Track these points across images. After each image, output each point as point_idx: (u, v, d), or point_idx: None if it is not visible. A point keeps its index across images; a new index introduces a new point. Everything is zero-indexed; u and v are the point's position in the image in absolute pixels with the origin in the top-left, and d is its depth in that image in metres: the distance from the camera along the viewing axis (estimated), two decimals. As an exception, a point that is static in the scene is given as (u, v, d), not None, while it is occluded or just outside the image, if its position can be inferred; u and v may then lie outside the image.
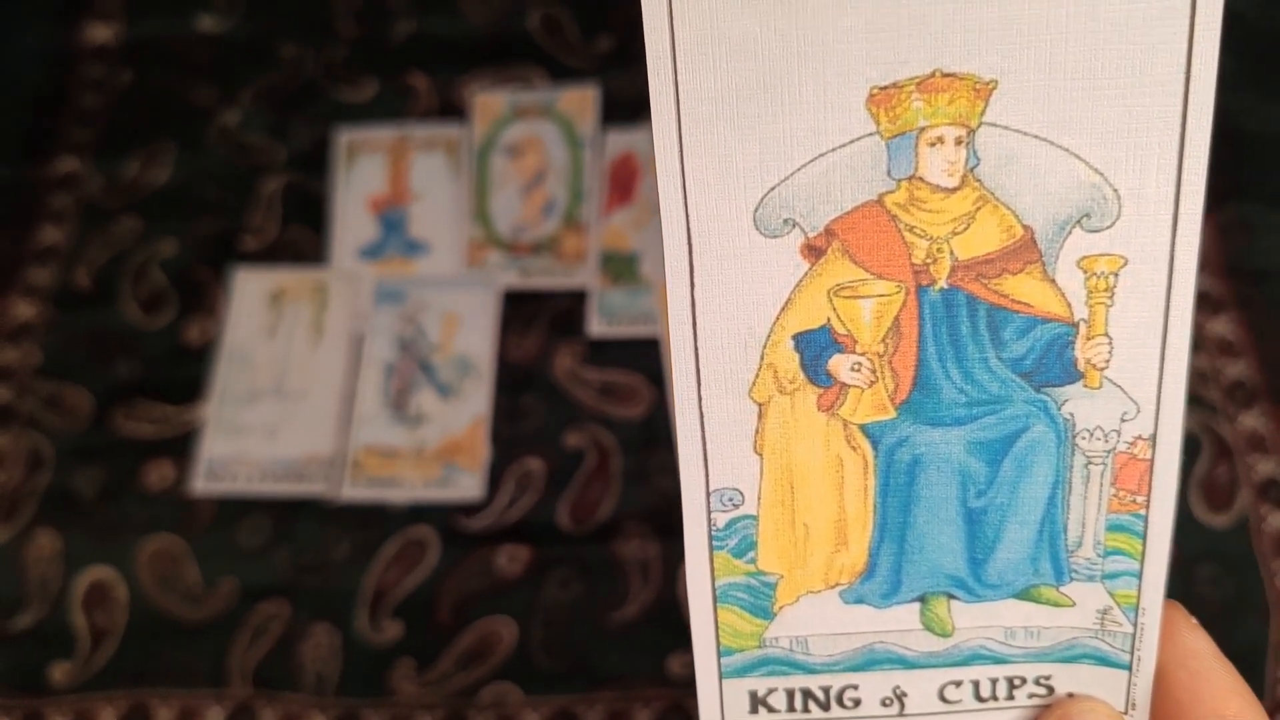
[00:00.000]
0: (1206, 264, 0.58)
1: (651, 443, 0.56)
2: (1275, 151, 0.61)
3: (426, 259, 0.62)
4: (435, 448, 0.57)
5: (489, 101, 0.65)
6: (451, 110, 0.66)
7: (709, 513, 0.22)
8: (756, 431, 0.22)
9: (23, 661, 0.53)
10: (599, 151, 0.63)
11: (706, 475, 0.22)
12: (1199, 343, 0.56)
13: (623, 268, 0.60)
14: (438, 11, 0.69)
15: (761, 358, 0.21)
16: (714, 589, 0.23)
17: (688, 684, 0.50)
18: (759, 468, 0.22)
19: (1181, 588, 0.50)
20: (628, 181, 0.62)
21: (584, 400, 0.57)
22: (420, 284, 0.61)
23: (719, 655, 0.23)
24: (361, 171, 0.64)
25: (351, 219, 0.63)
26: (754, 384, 0.22)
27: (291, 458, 0.57)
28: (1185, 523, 0.52)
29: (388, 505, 0.56)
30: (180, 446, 0.57)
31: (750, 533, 0.23)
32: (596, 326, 0.59)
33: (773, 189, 0.20)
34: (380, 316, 0.60)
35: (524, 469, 0.56)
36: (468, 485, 0.56)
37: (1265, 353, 0.55)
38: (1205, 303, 0.57)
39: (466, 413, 0.57)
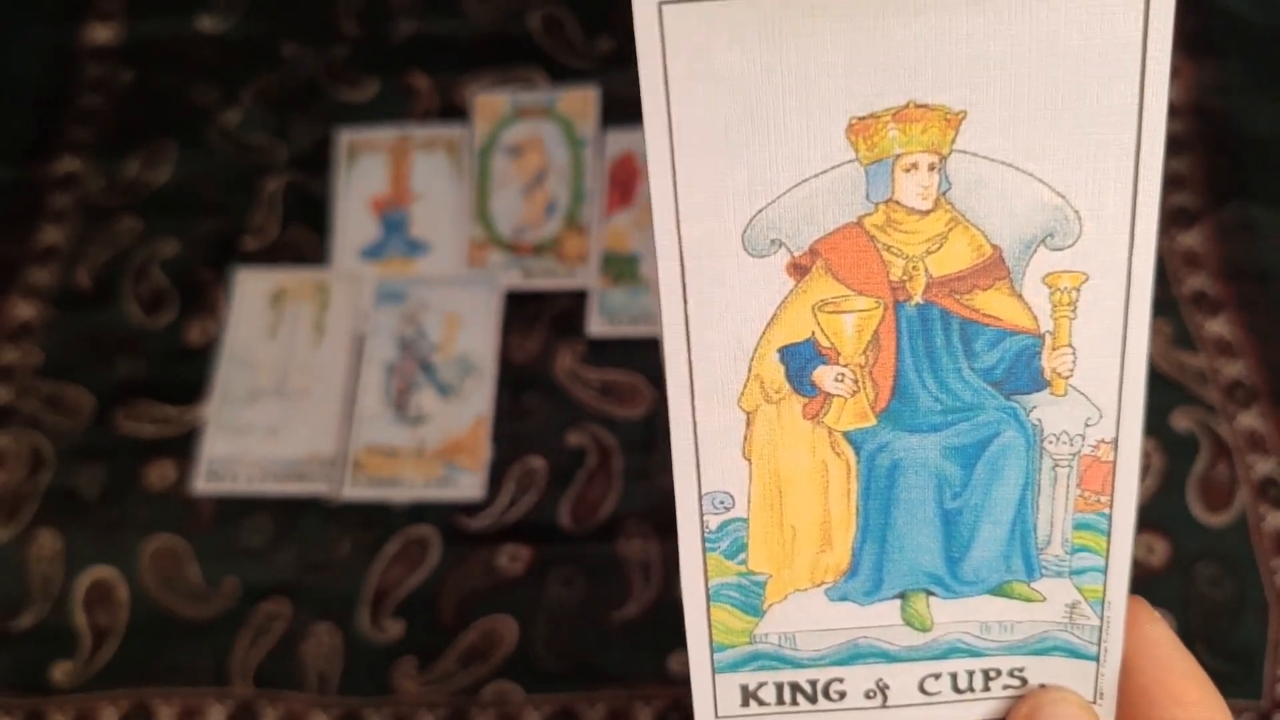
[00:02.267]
0: (1205, 265, 0.58)
1: (652, 442, 0.56)
2: (1276, 153, 0.61)
3: (427, 259, 0.62)
4: (436, 447, 0.57)
5: (490, 102, 0.65)
6: (453, 110, 0.66)
7: (701, 515, 0.24)
8: (745, 438, 0.23)
9: (24, 661, 0.53)
10: (599, 152, 0.63)
11: (699, 480, 0.24)
12: (1197, 343, 0.56)
13: (623, 268, 0.60)
14: (439, 12, 0.69)
15: (750, 369, 0.23)
16: (707, 589, 0.24)
17: (688, 682, 0.50)
18: (748, 472, 0.23)
19: (1181, 587, 0.50)
20: (628, 182, 0.62)
21: (585, 400, 0.58)
22: (421, 284, 0.61)
23: (712, 651, 0.25)
24: (363, 171, 0.64)
25: (353, 219, 0.63)
26: (742, 394, 0.23)
27: (292, 458, 0.57)
28: (1184, 522, 0.52)
29: (389, 505, 0.56)
30: (181, 446, 0.58)
31: (741, 535, 0.24)
32: (597, 326, 0.59)
33: (760, 212, 0.22)
34: (381, 316, 0.60)
35: (525, 468, 0.56)
36: (469, 485, 0.56)
37: (1266, 353, 0.55)
38: (1204, 303, 0.57)
39: (467, 412, 0.57)
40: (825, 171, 0.21)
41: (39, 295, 0.63)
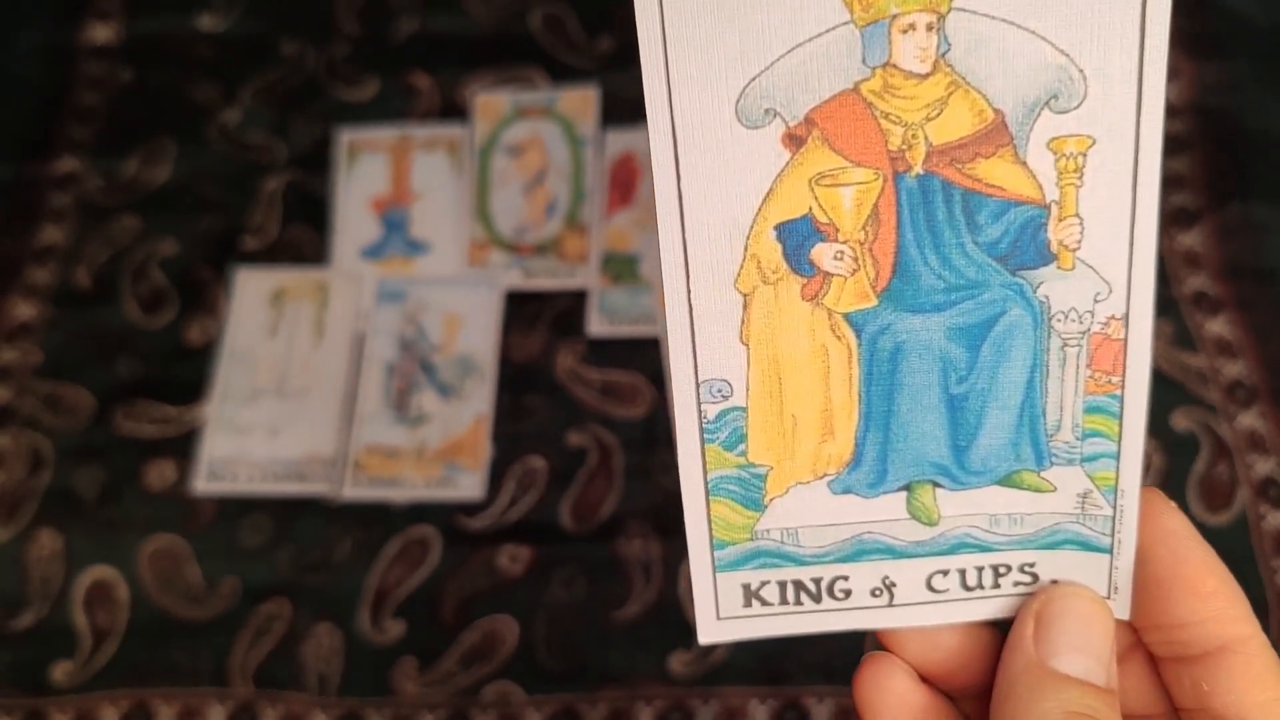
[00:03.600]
0: (1205, 264, 0.58)
1: (653, 442, 0.56)
2: (1278, 152, 0.61)
3: (428, 259, 0.62)
4: (437, 447, 0.57)
5: (491, 101, 0.65)
6: (453, 110, 0.66)
7: (699, 404, 0.23)
8: (743, 322, 0.22)
9: (24, 661, 0.53)
10: (600, 151, 0.63)
11: (695, 367, 0.22)
12: (1198, 343, 0.56)
13: (623, 268, 0.60)
14: (440, 10, 0.69)
15: (745, 249, 0.22)
16: (706, 482, 0.23)
17: (690, 682, 0.51)
18: (746, 358, 0.22)
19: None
20: (629, 182, 0.62)
21: (585, 400, 0.58)
22: (421, 284, 0.61)
23: (712, 549, 0.24)
24: (363, 171, 0.64)
25: (353, 218, 0.63)
26: (739, 275, 0.22)
27: (293, 458, 0.57)
28: (1185, 522, 0.52)
29: (389, 505, 0.56)
30: (181, 446, 0.57)
31: (740, 425, 0.23)
32: (597, 326, 0.59)
33: (753, 79, 0.21)
34: (381, 316, 0.60)
35: (526, 468, 0.56)
36: (469, 485, 0.56)
37: (1265, 353, 0.55)
38: (1204, 303, 0.57)
39: (468, 412, 0.57)
40: (820, 35, 0.21)
41: (38, 294, 0.63)
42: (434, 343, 0.59)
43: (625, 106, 0.64)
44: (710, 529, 0.24)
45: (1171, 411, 0.54)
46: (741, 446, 0.23)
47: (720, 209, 0.21)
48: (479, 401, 0.58)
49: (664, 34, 0.20)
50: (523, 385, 0.58)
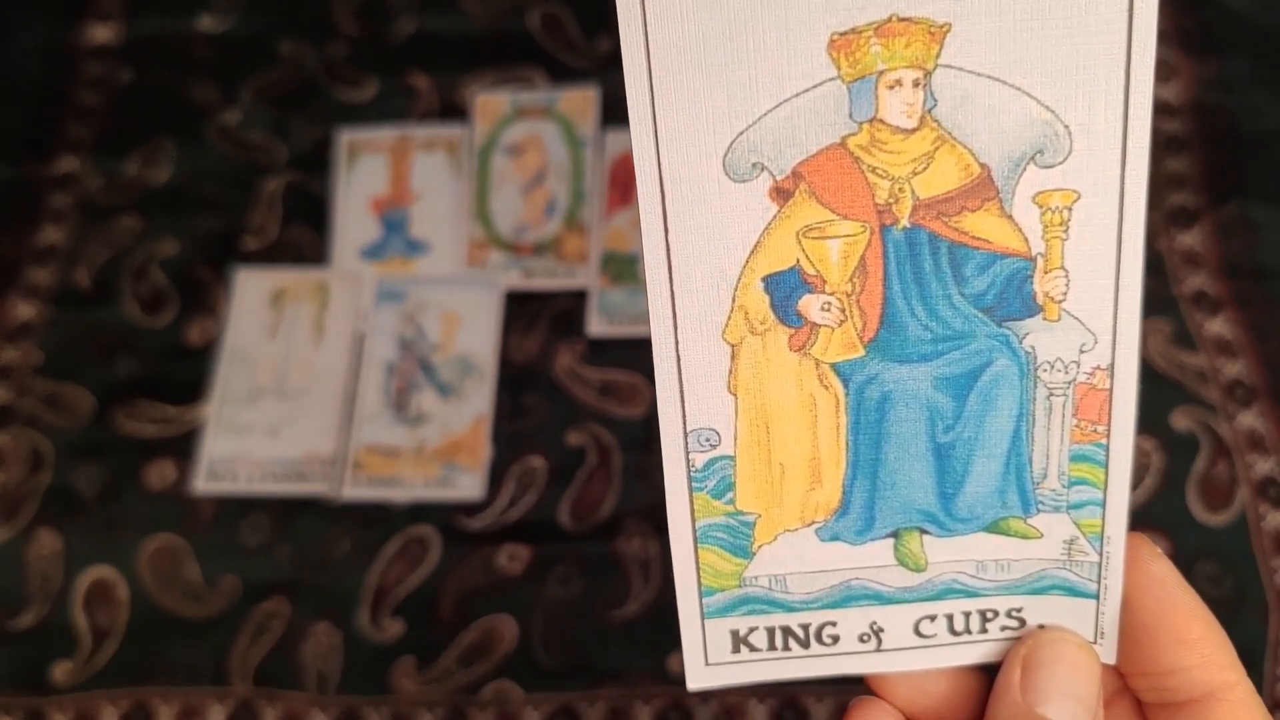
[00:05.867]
0: (1205, 264, 0.58)
1: (652, 441, 0.56)
2: (1276, 151, 0.61)
3: (428, 259, 0.62)
4: (436, 447, 0.57)
5: (490, 101, 0.65)
6: (452, 110, 0.66)
7: (687, 453, 0.23)
8: (730, 372, 0.22)
9: (24, 661, 0.53)
10: (599, 151, 0.63)
11: (684, 416, 0.23)
12: (1197, 343, 0.56)
13: (623, 268, 0.60)
14: (439, 11, 0.69)
15: (733, 299, 0.22)
16: (694, 530, 0.24)
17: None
18: (734, 408, 0.23)
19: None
20: (628, 182, 0.62)
21: (585, 399, 0.58)
22: (421, 284, 0.61)
23: (700, 596, 0.24)
24: (362, 171, 0.64)
25: (352, 219, 0.63)
26: (726, 325, 0.22)
27: (292, 457, 0.57)
28: (1184, 521, 0.52)
29: (389, 505, 0.56)
30: (181, 446, 0.58)
31: (728, 473, 0.23)
32: (596, 326, 0.59)
33: (741, 134, 0.21)
34: (381, 316, 0.60)
35: (525, 468, 0.56)
36: (468, 485, 0.56)
37: (1265, 352, 0.55)
38: (1204, 302, 0.57)
39: (467, 412, 0.57)
40: (807, 90, 0.21)
41: (38, 295, 0.63)
42: (433, 342, 0.59)
43: (625, 106, 0.64)
44: (699, 576, 0.24)
45: (1171, 411, 0.54)
46: (730, 494, 0.23)
47: (708, 261, 0.22)
48: (478, 401, 0.58)
49: (652, 89, 0.21)
50: (522, 385, 0.58)
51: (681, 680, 0.50)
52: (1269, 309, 0.56)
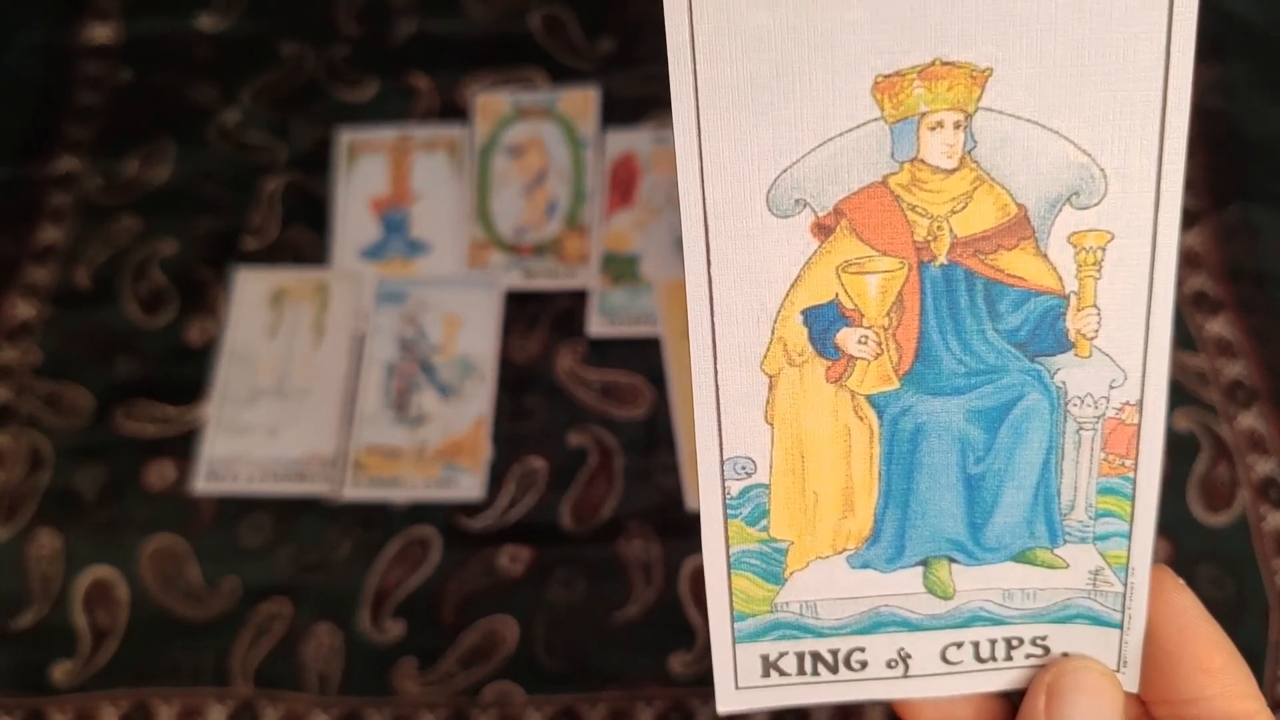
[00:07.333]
0: (1205, 266, 0.58)
1: (653, 442, 0.56)
2: (1278, 154, 0.61)
3: (428, 259, 0.62)
4: (436, 448, 0.57)
5: (491, 102, 0.65)
6: (453, 111, 0.66)
7: (723, 481, 0.23)
8: (768, 402, 0.23)
9: (24, 661, 0.53)
10: (600, 152, 0.63)
11: (721, 444, 0.23)
12: (1198, 344, 0.56)
13: (623, 268, 0.60)
14: (439, 11, 0.69)
15: (773, 332, 0.23)
16: (728, 556, 0.24)
17: (690, 683, 0.51)
18: (770, 437, 0.23)
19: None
20: (628, 182, 0.62)
21: (585, 400, 0.58)
22: (421, 284, 0.61)
23: (733, 621, 0.24)
24: (363, 172, 0.64)
25: (353, 219, 0.63)
26: (765, 357, 0.23)
27: (293, 458, 0.57)
28: (1185, 522, 0.52)
29: (389, 505, 0.56)
30: (181, 446, 0.57)
31: (763, 501, 0.24)
32: (597, 326, 0.59)
33: (784, 171, 0.22)
34: (381, 317, 0.60)
35: (526, 469, 0.56)
36: (469, 485, 0.56)
37: (1266, 355, 0.55)
38: (1204, 304, 0.57)
39: (468, 413, 0.57)
40: (850, 130, 0.21)
41: (38, 294, 0.63)
42: (434, 343, 0.59)
43: (625, 107, 0.64)
44: (731, 601, 0.24)
45: (1171, 412, 0.54)
46: (764, 522, 0.24)
47: (749, 293, 0.22)
48: (479, 402, 0.58)
49: (699, 125, 0.21)
50: (523, 386, 0.58)
51: (682, 681, 0.50)
52: (1270, 311, 0.57)
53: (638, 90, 0.65)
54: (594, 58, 0.67)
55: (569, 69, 0.67)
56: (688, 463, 0.55)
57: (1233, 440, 0.54)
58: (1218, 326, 0.56)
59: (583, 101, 0.64)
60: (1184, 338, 0.56)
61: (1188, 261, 0.59)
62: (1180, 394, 0.55)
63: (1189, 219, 0.60)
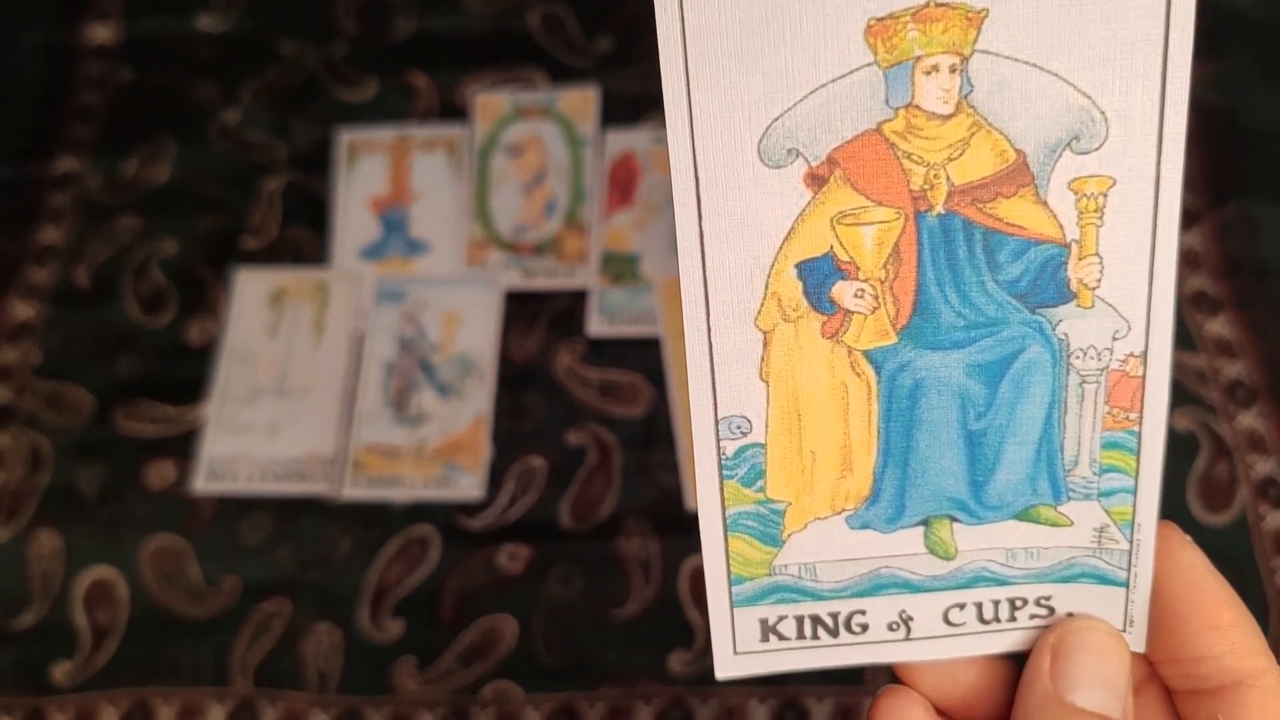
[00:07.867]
0: (1205, 264, 0.58)
1: (652, 441, 0.56)
2: (1277, 150, 0.61)
3: (427, 259, 0.62)
4: (436, 447, 0.57)
5: (490, 101, 0.65)
6: (452, 110, 0.66)
7: (718, 441, 0.23)
8: (763, 359, 0.22)
9: (24, 660, 0.53)
10: (599, 151, 0.63)
11: (715, 403, 0.22)
12: (1197, 343, 0.56)
13: (623, 268, 0.60)
14: (439, 10, 0.69)
15: (766, 286, 0.22)
16: (724, 518, 0.23)
17: (689, 681, 0.51)
18: (765, 395, 0.22)
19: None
20: (628, 181, 0.62)
21: (585, 399, 0.58)
22: (421, 284, 0.61)
23: (730, 584, 0.24)
24: (362, 171, 0.64)
25: (352, 219, 0.63)
26: (759, 312, 0.22)
27: (292, 457, 0.57)
28: (1184, 522, 0.52)
29: (389, 504, 0.56)
30: (181, 446, 0.57)
31: (759, 461, 0.23)
32: (596, 326, 0.59)
33: (776, 120, 0.21)
34: (381, 316, 0.60)
35: (525, 467, 0.56)
36: (468, 484, 0.56)
37: (1265, 348, 0.55)
38: (1204, 302, 0.57)
39: (467, 412, 0.57)
40: (843, 76, 0.21)
41: (38, 294, 0.63)
42: (433, 342, 0.59)
43: (625, 106, 0.64)
44: (728, 564, 0.24)
45: (1171, 411, 0.54)
46: (760, 483, 0.23)
47: (741, 247, 0.21)
48: (478, 401, 0.58)
49: (688, 75, 0.20)
50: (522, 385, 0.58)
51: (682, 679, 0.50)
52: (1269, 309, 0.57)
53: (637, 89, 0.65)
54: (593, 57, 0.67)
55: (568, 68, 0.67)
56: (687, 462, 0.55)
57: (1232, 440, 0.54)
58: (1217, 326, 0.56)
59: (582, 101, 0.64)
60: (1183, 337, 0.56)
61: (1187, 261, 0.58)
62: (1180, 393, 0.55)
63: (1188, 219, 0.60)
